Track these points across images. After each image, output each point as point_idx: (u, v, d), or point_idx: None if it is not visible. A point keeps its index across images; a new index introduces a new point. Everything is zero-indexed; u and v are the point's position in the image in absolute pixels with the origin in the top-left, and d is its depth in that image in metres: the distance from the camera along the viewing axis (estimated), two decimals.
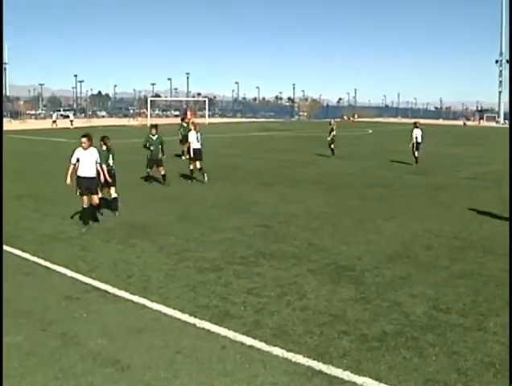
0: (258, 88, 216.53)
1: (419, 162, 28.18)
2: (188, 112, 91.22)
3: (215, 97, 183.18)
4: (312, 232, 13.03)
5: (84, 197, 13.34)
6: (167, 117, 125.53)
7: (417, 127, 29.25)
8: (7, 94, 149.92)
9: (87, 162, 13.34)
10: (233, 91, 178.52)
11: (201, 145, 21.73)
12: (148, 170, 21.35)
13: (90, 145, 13.43)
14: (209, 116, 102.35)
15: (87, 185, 13.35)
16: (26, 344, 6.93)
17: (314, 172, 25.11)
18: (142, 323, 7.56)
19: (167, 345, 6.88)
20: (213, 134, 53.43)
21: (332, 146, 32.48)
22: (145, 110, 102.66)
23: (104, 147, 15.40)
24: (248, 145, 43.04)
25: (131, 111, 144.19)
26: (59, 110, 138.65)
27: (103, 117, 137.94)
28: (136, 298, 8.45)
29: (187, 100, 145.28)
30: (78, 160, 13.34)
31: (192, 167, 21.79)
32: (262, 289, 8.92)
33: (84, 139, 13.37)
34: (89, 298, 8.52)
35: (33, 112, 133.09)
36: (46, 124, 73.15)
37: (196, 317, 7.71)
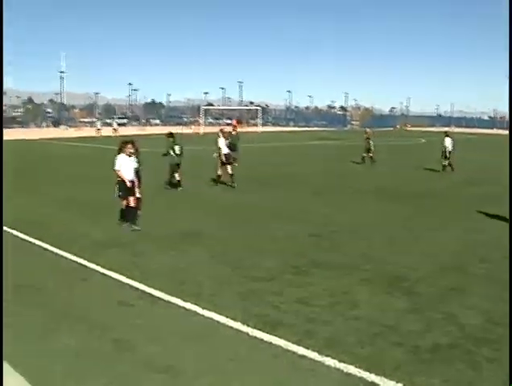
0: (310, 96, 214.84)
1: (454, 169, 28.42)
2: (233, 121, 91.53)
3: (267, 106, 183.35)
4: (365, 242, 12.88)
5: (129, 198, 14.42)
6: (219, 125, 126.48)
7: (448, 136, 29.56)
8: (64, 102, 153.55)
9: (129, 167, 14.51)
10: (286, 99, 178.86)
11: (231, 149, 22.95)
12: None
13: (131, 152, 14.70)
14: (262, 124, 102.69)
15: (128, 188, 14.44)
16: (78, 348, 7.02)
17: (365, 181, 24.89)
18: (195, 330, 7.56)
19: (220, 352, 6.87)
20: (266, 143, 53.63)
21: (370, 155, 32.66)
22: (198, 118, 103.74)
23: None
24: (301, 153, 43.00)
25: (184, 119, 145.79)
26: (113, 118, 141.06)
27: (156, 125, 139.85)
28: (188, 305, 8.46)
29: (239, 109, 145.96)
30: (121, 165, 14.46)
31: (220, 172, 22.58)
32: (315, 298, 8.83)
33: (129, 146, 14.66)
34: (142, 305, 8.58)
35: (88, 119, 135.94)
36: (107, 131, 74.17)
37: (248, 325, 7.68)
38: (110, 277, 10.06)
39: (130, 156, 14.66)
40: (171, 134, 22.40)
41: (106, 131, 75.13)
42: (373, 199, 19.39)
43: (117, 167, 14.51)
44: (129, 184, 14.42)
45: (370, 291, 9.24)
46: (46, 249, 12.03)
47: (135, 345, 7.11)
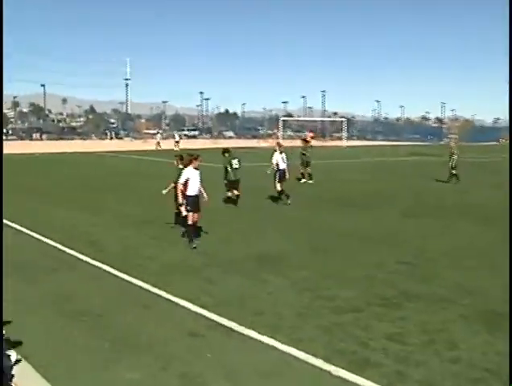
0: (401, 106, 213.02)
1: None
2: (308, 134, 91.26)
3: (353, 117, 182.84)
4: (464, 271, 12.63)
5: (190, 214, 15.12)
6: (299, 138, 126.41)
7: None
8: (128, 111, 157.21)
9: (196, 181, 15.19)
10: (374, 110, 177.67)
11: (288, 165, 23.48)
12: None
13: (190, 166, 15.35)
14: (347, 138, 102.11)
15: (195, 202, 15.24)
16: (144, 382, 7.16)
17: (461, 202, 24.40)
18: (271, 367, 7.59)
19: None
20: (351, 159, 53.40)
21: (453, 172, 31.85)
22: (276, 131, 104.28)
23: (180, 166, 16.97)
24: (389, 170, 42.61)
25: (260, 131, 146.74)
26: (183, 129, 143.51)
27: (230, 137, 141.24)
28: (265, 338, 8.51)
29: (322, 121, 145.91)
30: (188, 179, 15.13)
31: (279, 188, 23.11)
32: (406, 335, 8.72)
33: (199, 158, 15.44)
34: (213, 336, 8.68)
35: (155, 131, 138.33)
36: (168, 144, 75.20)
37: (330, 363, 7.65)
38: (178, 304, 10.23)
39: (197, 169, 15.29)
40: (226, 150, 23.02)
41: (169, 144, 75.92)
42: (468, 222, 18.98)
43: (182, 181, 15.13)
44: (181, 200, 15.26)
45: (471, 329, 9.05)
46: (107, 272, 12.36)
47: (205, 381, 7.19)
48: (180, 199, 15.44)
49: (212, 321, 9.33)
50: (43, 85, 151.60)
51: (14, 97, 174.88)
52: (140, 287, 11.28)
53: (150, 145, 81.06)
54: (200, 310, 9.83)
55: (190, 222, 15.22)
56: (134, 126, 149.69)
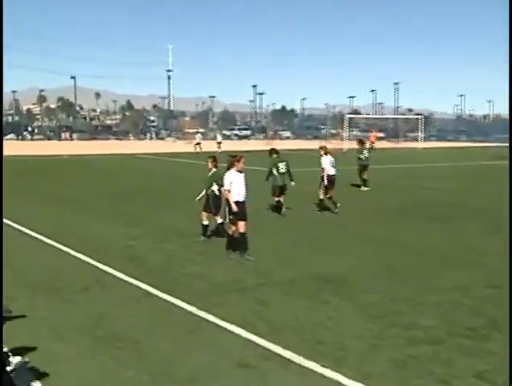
0: (489, 101, 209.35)
1: None
2: (373, 134, 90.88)
3: (432, 114, 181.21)
4: None
5: (241, 223, 15.44)
6: (368, 139, 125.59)
7: None
8: (171, 108, 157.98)
9: (241, 185, 15.53)
10: (456, 106, 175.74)
11: (336, 171, 23.95)
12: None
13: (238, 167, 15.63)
14: (424, 138, 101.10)
15: (241, 210, 15.55)
16: None
17: None
18: None
19: None
20: (428, 163, 52.93)
21: None
22: (340, 130, 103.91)
23: (214, 169, 17.56)
24: (475, 177, 42.15)
25: (323, 131, 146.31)
26: (233, 129, 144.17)
27: (287, 138, 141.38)
28: (328, 372, 8.46)
29: (395, 118, 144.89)
30: (231, 184, 15.45)
31: (322, 196, 23.55)
32: (497, 373, 8.54)
33: (242, 160, 15.64)
34: (268, 367, 8.66)
35: (194, 130, 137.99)
36: (212, 146, 74.82)
37: None
38: (227, 329, 10.27)
39: (240, 172, 15.58)
40: (274, 151, 23.44)
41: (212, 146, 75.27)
42: None
43: (227, 186, 15.42)
44: (235, 207, 15.34)
45: None
46: (146, 291, 12.46)
47: None
48: (231, 206, 15.42)
49: (267, 349, 9.33)
50: (73, 77, 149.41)
51: (41, 91, 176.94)
52: (184, 309, 11.36)
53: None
54: (253, 337, 9.85)
55: (230, 232, 15.76)
56: (176, 125, 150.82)
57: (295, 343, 9.53)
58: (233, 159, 15.70)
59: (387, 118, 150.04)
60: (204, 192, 17.58)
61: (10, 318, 9.27)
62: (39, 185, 34.08)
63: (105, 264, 14.65)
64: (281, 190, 22.78)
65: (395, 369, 8.62)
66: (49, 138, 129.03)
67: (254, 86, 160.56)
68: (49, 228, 19.06)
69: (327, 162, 23.57)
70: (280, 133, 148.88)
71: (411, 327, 10.38)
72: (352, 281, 13.39)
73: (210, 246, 17.06)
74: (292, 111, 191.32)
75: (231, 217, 15.52)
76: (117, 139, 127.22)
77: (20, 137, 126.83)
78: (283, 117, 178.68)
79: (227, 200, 15.55)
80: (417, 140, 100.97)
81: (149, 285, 12.86)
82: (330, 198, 23.55)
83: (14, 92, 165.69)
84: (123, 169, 47.31)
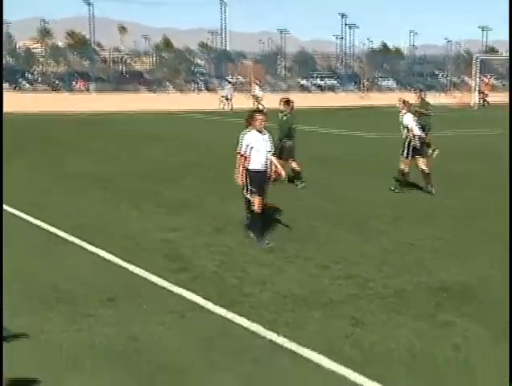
0: None
1: None
2: (484, 81, 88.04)
3: None
4: None
5: (257, 199, 16.49)
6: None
7: None
8: (226, 47, 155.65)
9: (262, 149, 16.55)
10: None
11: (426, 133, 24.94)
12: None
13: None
14: None
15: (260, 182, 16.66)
16: None
17: None
18: None
19: None
20: None
21: None
22: (467, 78, 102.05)
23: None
24: None
25: (441, 79, 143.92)
26: (312, 76, 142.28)
27: (389, 89, 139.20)
28: None
29: None
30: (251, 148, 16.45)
31: (403, 167, 23.98)
32: None
33: (261, 116, 16.65)
34: None
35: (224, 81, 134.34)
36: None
37: None
38: (306, 359, 10.34)
39: (261, 132, 16.40)
40: (286, 102, 24.36)
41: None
42: None
43: (243, 149, 16.35)
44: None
45: None
46: (195, 304, 12.61)
47: None
48: (239, 178, 16.60)
49: None
50: (89, 3, 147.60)
51: (44, 22, 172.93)
52: (246, 329, 11.46)
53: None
54: (342, 369, 9.89)
55: (257, 208, 16.53)
56: (233, 70, 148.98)
57: (405, 381, 9.62)
58: (252, 115, 16.60)
59: None
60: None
61: (7, 338, 9.50)
62: (44, 155, 34.37)
63: (137, 265, 14.85)
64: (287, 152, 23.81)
65: None
66: (56, 89, 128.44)
67: (343, 15, 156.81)
68: (67, 220, 19.29)
69: (411, 121, 23.90)
70: (380, 82, 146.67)
71: None
72: (481, 293, 13.45)
73: (277, 241, 17.28)
74: (397, 50, 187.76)
75: (253, 189, 16.28)
76: (150, 91, 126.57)
77: (16, 87, 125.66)
78: (384, 60, 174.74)
79: (243, 168, 16.37)
80: None
81: (198, 294, 12.98)
82: (427, 174, 23.83)
83: (7, 23, 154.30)
84: (162, 134, 46.94)
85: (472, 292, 13.52)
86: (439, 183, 23.77)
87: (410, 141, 23.69)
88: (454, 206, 21.77)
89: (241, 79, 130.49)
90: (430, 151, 30.03)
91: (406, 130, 23.87)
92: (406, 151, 23.80)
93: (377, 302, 12.81)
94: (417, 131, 23.77)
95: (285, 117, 23.67)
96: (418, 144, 23.62)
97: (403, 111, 24.06)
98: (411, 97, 30.68)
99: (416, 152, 23.71)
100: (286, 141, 23.42)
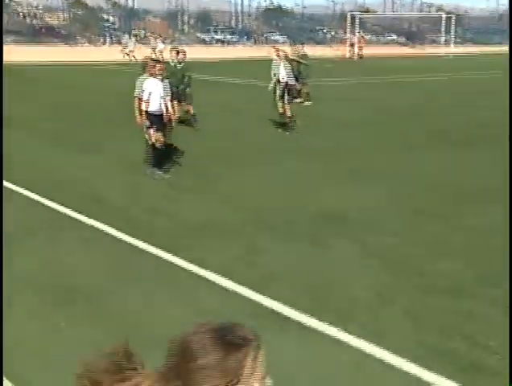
0: None
1: None
2: (358, 36, 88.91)
3: (467, 12, 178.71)
4: None
5: (155, 135, 17.14)
6: (388, 45, 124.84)
7: None
8: (134, 4, 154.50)
9: (156, 93, 17.06)
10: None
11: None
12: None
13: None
14: (454, 42, 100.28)
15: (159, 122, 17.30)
16: None
17: None
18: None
19: None
20: (459, 72, 52.77)
21: None
22: (346, 33, 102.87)
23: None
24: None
25: (325, 34, 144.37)
26: (209, 30, 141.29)
27: (276, 42, 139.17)
28: (332, 330, 8.76)
29: (415, 17, 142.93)
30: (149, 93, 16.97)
31: (281, 110, 24.53)
32: None
33: (158, 65, 17.28)
34: (258, 327, 8.85)
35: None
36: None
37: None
38: (204, 278, 10.49)
39: (157, 79, 16.99)
40: (177, 52, 24.41)
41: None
42: None
43: (142, 94, 17.10)
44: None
45: None
46: (107, 234, 12.68)
47: None
48: (139, 119, 17.43)
49: (256, 304, 9.63)
50: None
51: None
52: (150, 253, 11.61)
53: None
54: (240, 288, 10.09)
55: (157, 143, 17.20)
56: (141, 27, 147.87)
57: (291, 296, 9.79)
58: (148, 63, 17.60)
59: (405, 16, 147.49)
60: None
61: None
62: None
63: (53, 201, 14.79)
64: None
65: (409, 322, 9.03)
66: None
67: None
68: None
69: (282, 69, 24.24)
70: (270, 36, 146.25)
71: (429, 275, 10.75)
72: (356, 220, 13.76)
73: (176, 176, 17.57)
74: (285, 11, 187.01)
75: (147, 124, 17.02)
76: (64, 44, 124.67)
77: None
78: (275, 17, 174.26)
79: (140, 110, 17.21)
80: (448, 44, 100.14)
81: (108, 225, 13.03)
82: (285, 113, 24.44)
83: None
84: (77, 83, 46.20)
85: (349, 217, 13.83)
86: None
87: (283, 88, 24.10)
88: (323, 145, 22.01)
89: (145, 33, 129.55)
90: (301, 100, 31.15)
91: (278, 77, 24.30)
92: (280, 96, 24.31)
93: (265, 230, 13.06)
94: (289, 80, 24.23)
95: (179, 65, 23.69)
96: (290, 91, 24.28)
97: (277, 60, 24.69)
98: (294, 50, 31.06)
99: (287, 97, 24.24)
100: (183, 87, 23.53)
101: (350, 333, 8.66)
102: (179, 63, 23.73)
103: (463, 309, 9.42)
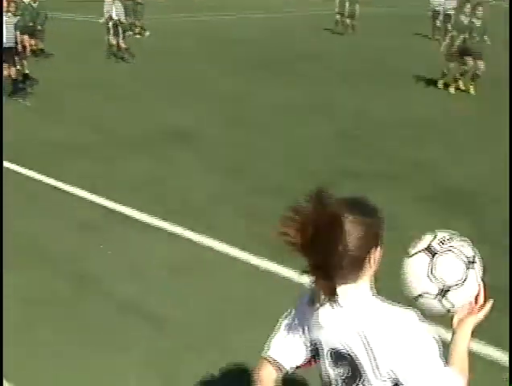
0: None
1: None
2: None
3: None
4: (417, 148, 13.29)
5: (9, 67, 17.45)
6: None
7: None
8: None
9: (9, 29, 17.33)
10: None
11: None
12: None
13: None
14: None
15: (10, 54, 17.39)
16: None
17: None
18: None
19: None
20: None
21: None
22: None
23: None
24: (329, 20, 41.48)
25: None
26: None
27: None
28: (168, 225, 9.15)
29: None
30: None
31: (113, 41, 24.68)
32: None
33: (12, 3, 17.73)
34: (110, 226, 9.25)
35: None
36: None
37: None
38: (65, 191, 10.61)
39: (7, 16, 17.15)
40: None
41: None
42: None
43: None
44: None
45: (425, 211, 9.76)
46: None
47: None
48: None
49: (107, 209, 9.88)
50: None
51: None
52: (18, 173, 11.55)
53: None
54: (94, 197, 10.29)
55: (12, 74, 17.56)
56: None
57: (134, 201, 10.07)
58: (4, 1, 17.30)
59: None
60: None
61: None
62: None
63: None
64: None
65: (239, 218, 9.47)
66: None
67: None
68: None
69: (109, 6, 24.76)
70: None
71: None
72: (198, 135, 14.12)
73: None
74: None
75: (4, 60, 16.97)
76: None
77: None
78: None
79: None
80: None
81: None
82: (126, 49, 24.66)
83: None
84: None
85: (192, 133, 14.20)
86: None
87: (115, 24, 24.53)
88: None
89: None
90: (134, 32, 30.89)
91: (110, 14, 24.62)
92: (113, 31, 24.57)
93: (117, 147, 13.34)
94: (121, 17, 24.73)
95: (34, 4, 23.59)
96: (123, 25, 24.88)
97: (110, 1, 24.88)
98: None
99: (121, 31, 24.69)
100: (39, 24, 23.62)
101: (185, 226, 9.07)
102: (34, 2, 23.63)
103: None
